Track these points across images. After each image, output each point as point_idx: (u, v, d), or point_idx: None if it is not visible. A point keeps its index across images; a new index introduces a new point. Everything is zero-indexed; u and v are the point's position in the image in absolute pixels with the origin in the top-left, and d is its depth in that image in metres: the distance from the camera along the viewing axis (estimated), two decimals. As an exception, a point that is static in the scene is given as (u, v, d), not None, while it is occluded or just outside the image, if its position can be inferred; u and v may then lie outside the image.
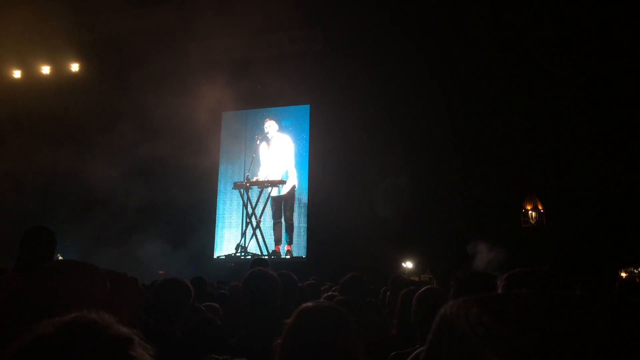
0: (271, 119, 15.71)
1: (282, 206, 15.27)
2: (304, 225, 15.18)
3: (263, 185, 15.26)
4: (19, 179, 15.19)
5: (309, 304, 1.67)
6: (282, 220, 15.25)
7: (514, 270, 1.65)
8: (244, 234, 15.39)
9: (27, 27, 15.99)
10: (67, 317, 0.71)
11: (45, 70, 16.67)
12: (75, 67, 16.54)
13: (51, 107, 15.31)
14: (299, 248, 15.09)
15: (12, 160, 14.80)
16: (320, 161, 14.91)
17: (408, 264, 13.75)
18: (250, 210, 15.37)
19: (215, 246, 15.81)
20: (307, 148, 15.54)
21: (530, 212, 14.51)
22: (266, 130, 15.64)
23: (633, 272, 12.97)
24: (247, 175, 15.52)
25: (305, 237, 15.07)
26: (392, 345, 2.53)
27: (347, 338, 1.57)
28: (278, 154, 15.47)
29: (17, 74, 16.89)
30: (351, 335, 1.59)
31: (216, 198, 16.24)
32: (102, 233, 14.72)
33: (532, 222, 14.39)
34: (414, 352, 2.03)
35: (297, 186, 15.33)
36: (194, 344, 2.55)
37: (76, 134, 15.16)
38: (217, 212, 16.11)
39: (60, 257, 10.83)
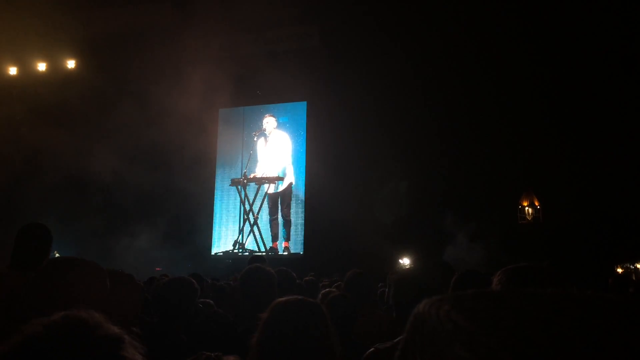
0: (270, 115, 15.70)
1: (279, 203, 15.27)
2: (301, 221, 15.19)
3: (260, 181, 15.26)
4: (12, 170, 15.16)
5: (283, 298, 1.68)
6: (279, 216, 15.26)
7: (510, 266, 1.66)
8: (241, 231, 15.40)
9: (22, 23, 15.92)
10: (56, 316, 0.70)
11: (42, 67, 16.59)
12: (71, 63, 16.47)
13: (46, 103, 15.26)
14: (296, 244, 15.10)
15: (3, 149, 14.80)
16: (317, 158, 14.90)
17: (405, 260, 13.76)
18: (247, 207, 15.38)
19: (212, 243, 15.81)
20: (304, 144, 15.53)
21: (526, 208, 14.55)
22: (264, 126, 15.63)
23: (629, 267, 13.01)
24: (245, 172, 15.52)
25: (303, 233, 15.08)
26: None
27: (321, 330, 1.58)
28: (275, 151, 15.47)
29: (13, 70, 16.82)
30: (325, 327, 1.60)
31: (213, 195, 16.22)
32: (98, 229, 14.71)
33: (529, 218, 14.42)
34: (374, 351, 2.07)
35: (294, 183, 15.33)
36: (203, 339, 2.57)
37: (71, 131, 15.07)
38: (214, 209, 16.10)
39: (57, 255, 10.83)
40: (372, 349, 2.05)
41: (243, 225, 15.41)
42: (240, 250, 15.08)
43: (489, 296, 0.33)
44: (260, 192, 15.34)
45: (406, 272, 2.16)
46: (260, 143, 15.61)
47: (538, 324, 0.29)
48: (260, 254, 12.28)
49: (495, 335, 0.28)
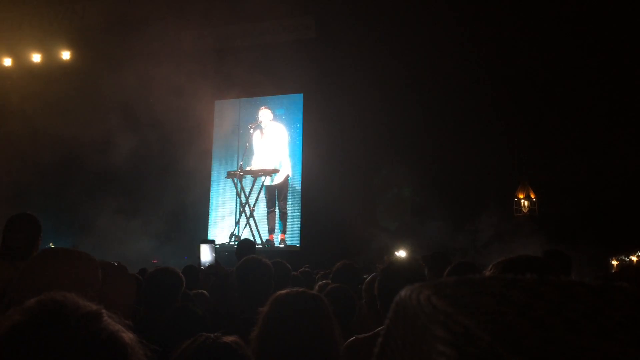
0: (266, 107, 15.64)
1: (276, 195, 15.27)
2: (297, 214, 15.21)
3: (256, 174, 15.25)
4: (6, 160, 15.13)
5: (283, 291, 1.67)
6: (276, 209, 15.26)
7: (503, 259, 1.66)
8: (237, 223, 15.41)
9: (17, 14, 15.81)
10: (31, 302, 0.72)
11: (36, 58, 16.49)
12: (66, 55, 16.37)
13: (41, 93, 15.17)
14: (292, 237, 15.12)
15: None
16: (313, 150, 14.90)
17: (401, 252, 13.80)
18: (243, 199, 15.38)
19: (208, 235, 15.80)
20: (301, 137, 15.52)
21: (522, 200, 14.59)
22: (260, 118, 15.59)
23: (624, 260, 13.09)
24: (241, 164, 15.50)
25: (299, 226, 15.10)
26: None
27: (323, 322, 1.57)
28: (272, 143, 15.44)
29: (7, 62, 16.72)
30: (326, 319, 1.59)
31: (209, 187, 16.21)
32: (94, 221, 14.69)
33: (525, 210, 14.47)
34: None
35: (290, 175, 15.32)
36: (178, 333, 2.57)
37: (65, 123, 14.96)
38: (210, 201, 16.10)
39: (52, 246, 10.81)
40: (352, 338, 2.06)
41: (239, 218, 15.42)
42: (237, 243, 15.08)
43: (470, 282, 0.34)
44: (256, 184, 15.33)
45: (392, 262, 2.16)
46: (256, 135, 15.57)
47: (516, 308, 0.30)
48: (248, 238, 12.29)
49: (473, 316, 0.29)
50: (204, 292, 3.71)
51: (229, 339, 1.39)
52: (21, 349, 0.66)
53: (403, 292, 0.35)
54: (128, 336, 0.72)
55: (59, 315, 0.68)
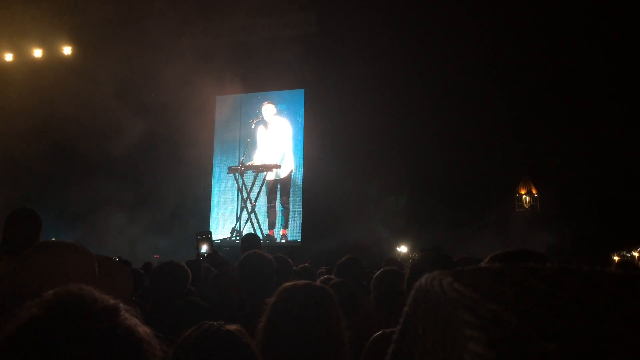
0: (269, 102, 15.60)
1: (278, 190, 15.27)
2: (298, 209, 15.21)
3: (258, 169, 15.25)
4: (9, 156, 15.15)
5: (289, 283, 1.68)
6: (276, 204, 15.26)
7: (498, 252, 1.65)
8: (239, 218, 15.42)
9: (19, 9, 15.79)
10: (49, 295, 0.71)
11: (38, 53, 16.47)
12: (67, 50, 16.35)
13: (42, 89, 15.16)
14: (293, 232, 15.13)
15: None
16: (315, 145, 14.88)
17: (402, 248, 13.82)
18: (245, 195, 15.38)
19: (210, 230, 15.82)
20: (302, 132, 15.50)
21: (524, 196, 14.60)
22: (263, 113, 15.54)
23: (625, 255, 13.11)
24: (242, 160, 15.50)
25: (300, 221, 15.11)
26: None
27: (329, 314, 1.58)
28: (275, 138, 15.42)
29: (9, 57, 16.70)
30: (333, 311, 1.60)
31: (211, 182, 16.21)
32: (95, 215, 14.72)
33: (526, 206, 14.48)
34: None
35: (294, 171, 15.31)
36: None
37: (64, 121, 14.93)
38: (212, 196, 16.10)
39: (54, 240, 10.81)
40: (379, 332, 2.07)
41: (240, 213, 15.43)
42: (238, 238, 15.12)
43: (489, 271, 0.34)
44: (257, 179, 15.33)
45: (421, 257, 2.18)
46: (260, 130, 15.53)
47: (537, 296, 0.30)
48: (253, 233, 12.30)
49: (498, 302, 0.29)
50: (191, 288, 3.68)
51: (232, 327, 1.39)
52: (38, 342, 0.66)
53: (423, 280, 0.35)
54: (144, 330, 0.73)
55: (77, 309, 0.68)
